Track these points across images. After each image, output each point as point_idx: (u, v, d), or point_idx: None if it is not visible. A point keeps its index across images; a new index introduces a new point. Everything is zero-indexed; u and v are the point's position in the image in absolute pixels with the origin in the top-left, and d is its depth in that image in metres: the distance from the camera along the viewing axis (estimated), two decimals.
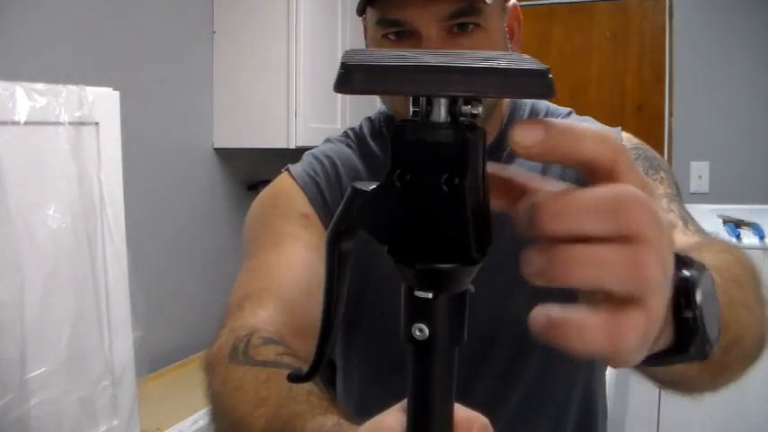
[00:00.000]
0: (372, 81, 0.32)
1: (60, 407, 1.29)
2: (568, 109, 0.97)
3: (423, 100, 0.34)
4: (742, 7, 3.23)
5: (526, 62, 0.33)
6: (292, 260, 0.80)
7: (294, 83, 2.64)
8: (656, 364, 0.43)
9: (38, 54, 1.91)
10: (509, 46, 0.85)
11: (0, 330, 1.18)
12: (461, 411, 0.41)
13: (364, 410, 0.46)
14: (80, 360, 1.33)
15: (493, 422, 0.44)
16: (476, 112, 0.34)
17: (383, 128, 0.96)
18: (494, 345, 0.88)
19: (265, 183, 3.13)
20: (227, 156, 2.77)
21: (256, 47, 2.67)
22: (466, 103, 0.34)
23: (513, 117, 0.91)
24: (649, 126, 3.39)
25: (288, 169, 0.93)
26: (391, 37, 0.80)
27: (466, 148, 0.33)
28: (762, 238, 2.11)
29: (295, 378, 0.44)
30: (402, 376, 0.39)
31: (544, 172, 0.82)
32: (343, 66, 0.32)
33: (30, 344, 1.23)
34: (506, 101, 0.91)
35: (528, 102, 0.94)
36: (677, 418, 2.26)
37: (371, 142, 0.95)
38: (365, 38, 0.88)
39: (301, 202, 0.88)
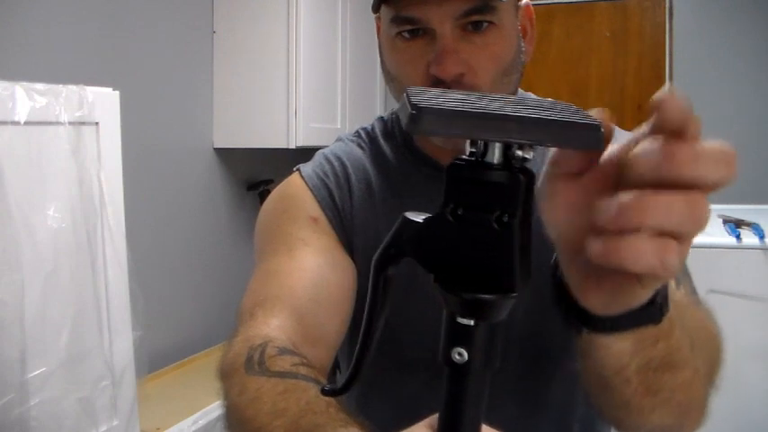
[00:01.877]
0: (441, 124, 0.34)
1: (60, 407, 1.29)
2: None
3: (481, 142, 0.36)
4: (742, 7, 3.23)
5: (579, 115, 0.36)
6: (303, 266, 0.81)
7: (294, 83, 2.64)
8: (622, 325, 0.50)
9: (38, 54, 1.91)
10: (522, 44, 0.85)
11: (0, 330, 1.18)
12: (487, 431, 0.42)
13: (362, 414, 0.47)
14: (80, 360, 1.34)
15: (496, 423, 0.44)
16: (527, 156, 0.36)
17: (395, 129, 0.96)
18: None
19: (265, 183, 3.11)
20: (227, 156, 2.77)
21: (256, 47, 2.67)
22: (519, 148, 0.36)
23: None
24: None
25: (299, 169, 0.93)
26: (405, 35, 0.80)
27: (518, 188, 0.36)
28: (762, 238, 2.10)
29: (330, 392, 0.46)
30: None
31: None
32: (415, 107, 0.34)
33: (30, 344, 1.23)
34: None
35: None
36: None
37: (383, 142, 0.95)
38: (378, 35, 0.88)
39: (311, 206, 0.88)
